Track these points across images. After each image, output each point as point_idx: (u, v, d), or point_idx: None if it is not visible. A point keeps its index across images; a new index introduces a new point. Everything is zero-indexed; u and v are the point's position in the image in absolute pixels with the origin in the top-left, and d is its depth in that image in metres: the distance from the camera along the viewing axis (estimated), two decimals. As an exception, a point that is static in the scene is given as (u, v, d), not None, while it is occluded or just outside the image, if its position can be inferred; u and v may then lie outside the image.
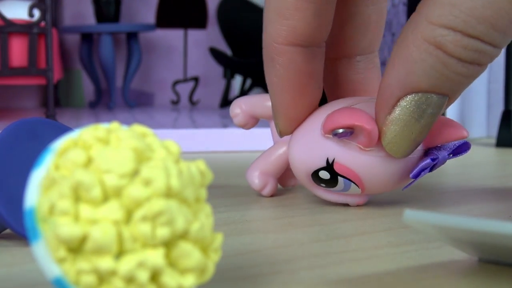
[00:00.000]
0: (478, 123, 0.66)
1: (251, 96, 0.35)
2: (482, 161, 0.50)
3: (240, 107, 0.34)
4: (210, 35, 1.13)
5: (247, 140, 0.53)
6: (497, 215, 0.29)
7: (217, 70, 1.12)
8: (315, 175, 0.29)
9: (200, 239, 0.16)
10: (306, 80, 0.29)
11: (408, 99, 0.25)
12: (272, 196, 0.33)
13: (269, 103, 0.32)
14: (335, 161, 0.28)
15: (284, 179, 0.35)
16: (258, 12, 1.14)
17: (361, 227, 0.27)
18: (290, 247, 0.24)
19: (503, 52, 0.64)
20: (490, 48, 0.24)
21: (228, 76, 1.04)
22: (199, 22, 1.10)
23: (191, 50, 1.14)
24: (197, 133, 0.55)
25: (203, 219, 0.16)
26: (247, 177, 0.33)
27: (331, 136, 0.28)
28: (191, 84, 1.11)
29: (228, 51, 1.06)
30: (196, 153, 0.53)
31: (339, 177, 0.28)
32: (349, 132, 0.27)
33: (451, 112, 0.62)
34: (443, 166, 0.46)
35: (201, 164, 0.17)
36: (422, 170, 0.28)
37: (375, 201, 0.32)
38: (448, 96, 0.25)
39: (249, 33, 1.06)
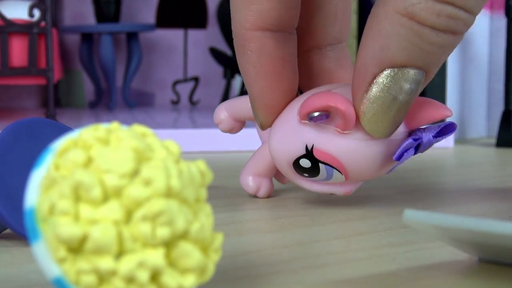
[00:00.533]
0: (478, 123, 0.66)
1: (233, 100, 0.34)
2: (482, 161, 0.50)
3: (223, 113, 0.34)
4: (210, 35, 1.13)
5: (247, 140, 0.53)
6: (497, 215, 0.29)
7: (217, 70, 1.12)
8: (296, 164, 0.28)
9: (200, 239, 0.16)
10: (280, 64, 0.28)
11: (384, 75, 0.25)
12: (268, 196, 0.33)
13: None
14: (314, 147, 0.27)
15: (280, 175, 0.35)
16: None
17: (361, 227, 0.27)
18: (290, 247, 0.24)
19: (503, 53, 0.64)
20: (464, 14, 0.23)
21: (228, 76, 1.04)
22: (199, 22, 1.10)
23: (191, 50, 1.14)
24: (197, 133, 0.55)
25: (203, 219, 0.16)
26: (241, 182, 0.33)
27: (308, 121, 0.27)
28: (191, 84, 1.11)
29: (228, 51, 1.06)
30: (196, 153, 0.53)
31: (320, 164, 0.28)
32: (325, 115, 0.27)
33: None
34: (443, 166, 0.46)
35: (201, 164, 0.17)
36: (405, 150, 0.27)
37: (375, 201, 0.32)
38: (425, 71, 0.25)
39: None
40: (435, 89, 0.60)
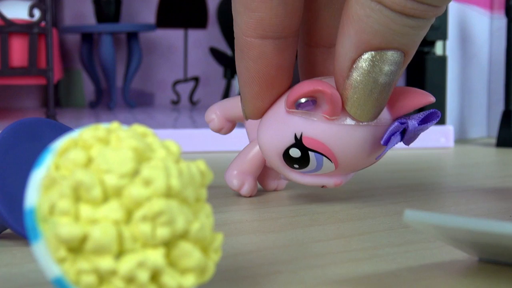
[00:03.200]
0: (478, 123, 0.66)
1: (226, 100, 0.35)
2: (482, 161, 0.50)
3: (215, 112, 0.34)
4: (210, 35, 1.13)
5: (247, 140, 0.53)
6: (497, 215, 0.29)
7: (217, 70, 1.12)
8: (286, 155, 0.29)
9: (200, 239, 0.16)
10: (275, 72, 0.28)
11: (362, 59, 0.25)
12: (251, 196, 0.33)
13: None
14: (303, 135, 0.28)
15: (264, 180, 0.35)
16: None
17: (361, 227, 0.27)
18: (290, 247, 0.24)
19: (503, 53, 0.64)
20: (428, 7, 0.23)
21: (228, 76, 1.04)
22: (199, 22, 1.10)
23: (191, 50, 1.14)
24: (197, 133, 0.55)
25: (203, 219, 0.16)
26: (225, 178, 0.33)
27: (295, 110, 0.28)
28: (191, 84, 1.11)
29: (228, 51, 1.06)
30: (196, 153, 0.53)
31: (310, 152, 0.28)
32: (312, 102, 0.27)
33: (451, 112, 0.62)
34: (443, 166, 0.46)
35: (201, 164, 0.17)
36: (392, 134, 0.28)
37: (375, 201, 0.32)
38: (404, 52, 0.25)
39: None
40: (435, 89, 0.60)
